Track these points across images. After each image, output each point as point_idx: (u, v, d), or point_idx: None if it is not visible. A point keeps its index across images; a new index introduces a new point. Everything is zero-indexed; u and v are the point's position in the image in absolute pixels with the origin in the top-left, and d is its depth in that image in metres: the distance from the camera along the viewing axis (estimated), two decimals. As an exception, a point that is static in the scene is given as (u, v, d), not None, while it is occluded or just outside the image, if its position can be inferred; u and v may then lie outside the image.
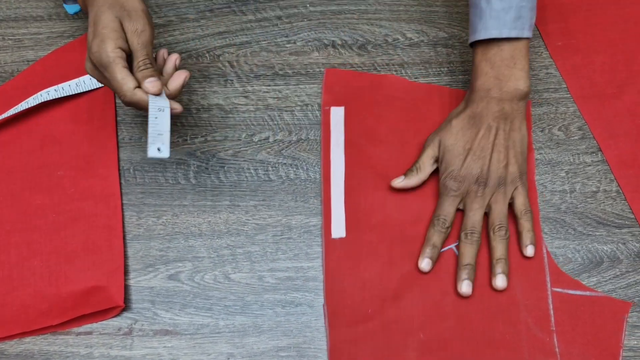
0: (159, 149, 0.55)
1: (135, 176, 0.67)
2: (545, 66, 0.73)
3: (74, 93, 0.70)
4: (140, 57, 0.56)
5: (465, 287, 0.60)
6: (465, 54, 0.74)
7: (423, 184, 0.65)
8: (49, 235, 0.64)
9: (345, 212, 0.64)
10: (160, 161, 0.68)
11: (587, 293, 0.61)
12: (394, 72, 0.72)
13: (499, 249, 0.61)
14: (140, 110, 0.57)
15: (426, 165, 0.64)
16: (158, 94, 0.56)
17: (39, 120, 0.70)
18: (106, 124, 0.70)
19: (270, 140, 0.69)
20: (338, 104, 0.70)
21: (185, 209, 0.65)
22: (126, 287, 0.61)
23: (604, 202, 0.65)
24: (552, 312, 0.60)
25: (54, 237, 0.63)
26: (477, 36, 0.63)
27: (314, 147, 0.69)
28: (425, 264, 0.61)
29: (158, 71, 0.58)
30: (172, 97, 0.58)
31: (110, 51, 0.55)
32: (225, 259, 0.63)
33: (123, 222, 0.65)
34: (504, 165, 0.62)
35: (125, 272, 0.62)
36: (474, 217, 0.62)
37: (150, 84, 0.56)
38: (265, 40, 0.75)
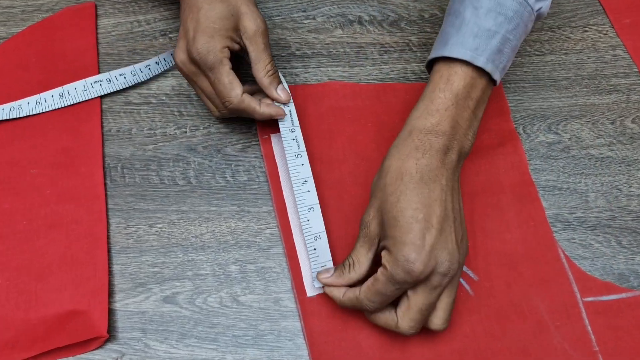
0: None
1: (124, 175, 0.56)
2: (612, 47, 0.62)
3: (154, 75, 0.61)
4: (267, 60, 0.53)
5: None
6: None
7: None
8: (19, 246, 0.52)
9: None
10: (154, 157, 0.57)
11: (623, 295, 0.50)
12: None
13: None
14: (236, 116, 0.54)
15: (362, 258, 0.48)
16: (287, 103, 0.54)
17: (10, 108, 0.58)
18: (90, 113, 0.58)
19: (287, 132, 0.57)
20: (278, 129, 0.56)
21: (185, 215, 0.54)
22: (111, 312, 0.50)
23: (691, 209, 0.54)
24: (589, 328, 0.49)
25: (25, 249, 0.52)
26: (448, 51, 0.48)
27: (339, 141, 0.57)
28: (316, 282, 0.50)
29: None
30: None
31: (219, 50, 0.50)
32: (233, 277, 0.51)
33: (108, 231, 0.53)
34: (461, 240, 0.47)
35: (111, 293, 0.51)
36: (428, 311, 0.46)
37: (283, 92, 0.54)
38: (279, 16, 0.64)
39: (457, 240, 0.46)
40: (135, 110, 0.59)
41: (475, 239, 0.52)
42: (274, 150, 0.56)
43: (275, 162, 0.56)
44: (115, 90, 0.59)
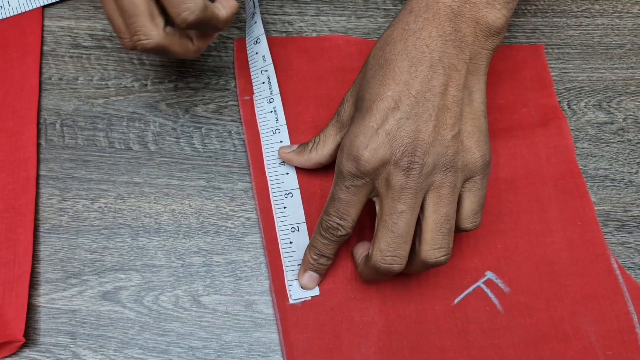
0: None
1: (64, 134, 0.44)
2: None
3: None
4: None
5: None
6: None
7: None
8: None
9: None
10: (103, 114, 0.45)
11: None
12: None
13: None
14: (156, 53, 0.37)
15: (329, 139, 0.40)
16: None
17: None
18: (26, 53, 0.46)
19: (274, 92, 0.46)
20: None
21: (138, 188, 0.42)
22: (32, 308, 0.39)
23: None
24: None
25: None
26: None
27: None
28: (307, 279, 0.39)
29: None
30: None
31: None
32: (195, 271, 0.40)
33: (37, 204, 0.42)
34: (453, 135, 0.34)
35: (33, 284, 0.39)
36: (397, 225, 0.34)
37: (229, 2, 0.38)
38: (272, -49, 0.52)
39: (438, 128, 0.34)
40: (84, 55, 0.47)
41: (507, 241, 0.41)
42: (257, 115, 0.44)
43: (258, 130, 0.44)
44: None
